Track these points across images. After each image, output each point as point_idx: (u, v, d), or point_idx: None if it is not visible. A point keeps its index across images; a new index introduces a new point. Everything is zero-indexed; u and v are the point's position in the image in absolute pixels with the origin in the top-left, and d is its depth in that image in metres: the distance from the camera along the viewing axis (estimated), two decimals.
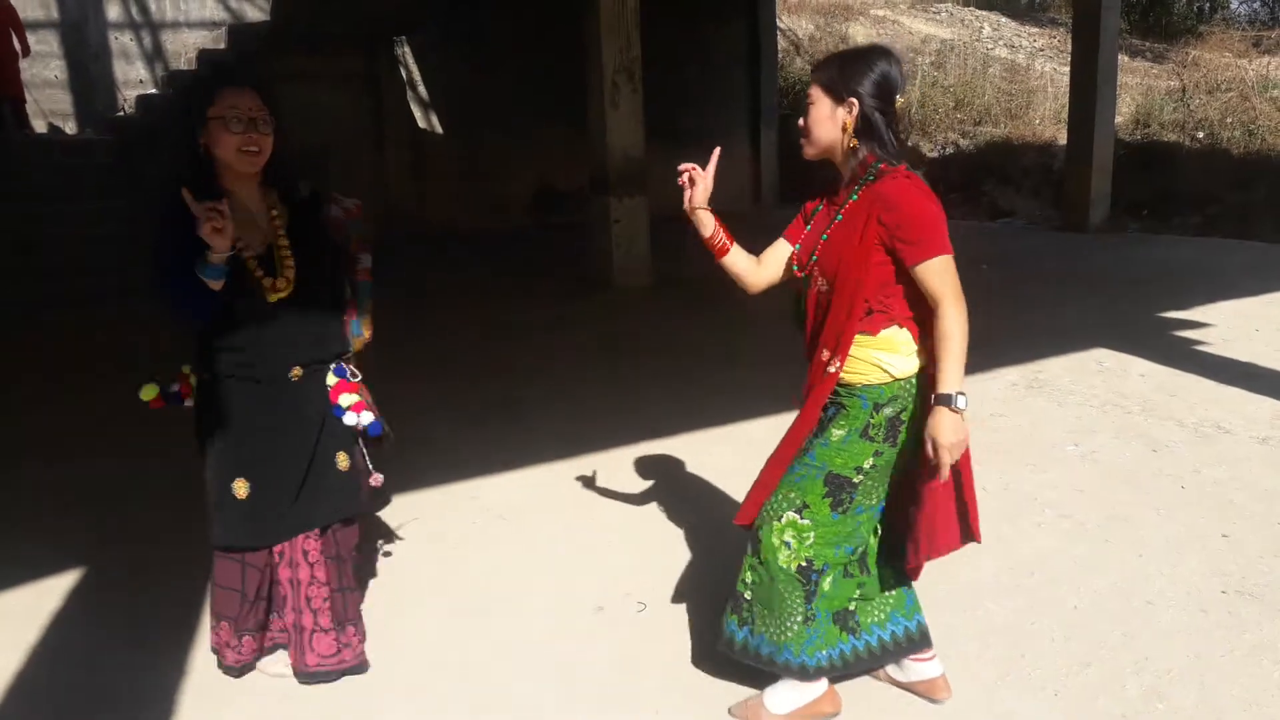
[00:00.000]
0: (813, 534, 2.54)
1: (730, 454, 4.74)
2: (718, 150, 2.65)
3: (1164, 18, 21.29)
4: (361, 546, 3.10)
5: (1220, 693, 2.77)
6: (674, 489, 4.42)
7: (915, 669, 2.77)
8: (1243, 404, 5.18)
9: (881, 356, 2.47)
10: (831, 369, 2.49)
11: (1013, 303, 7.90)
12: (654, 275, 9.24)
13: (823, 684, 2.66)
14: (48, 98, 12.29)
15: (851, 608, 2.67)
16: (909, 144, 15.71)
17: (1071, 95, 11.79)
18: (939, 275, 2.37)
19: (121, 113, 12.42)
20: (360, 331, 3.01)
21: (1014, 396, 5.53)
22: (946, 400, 2.37)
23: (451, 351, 6.98)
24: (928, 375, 2.46)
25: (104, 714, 2.91)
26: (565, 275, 9.77)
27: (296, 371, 2.77)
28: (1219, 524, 3.81)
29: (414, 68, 12.97)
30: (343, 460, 2.85)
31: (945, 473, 2.42)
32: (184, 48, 12.97)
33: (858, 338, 2.47)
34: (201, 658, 3.16)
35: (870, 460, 2.50)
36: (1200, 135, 13.94)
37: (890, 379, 2.47)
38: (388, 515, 4.04)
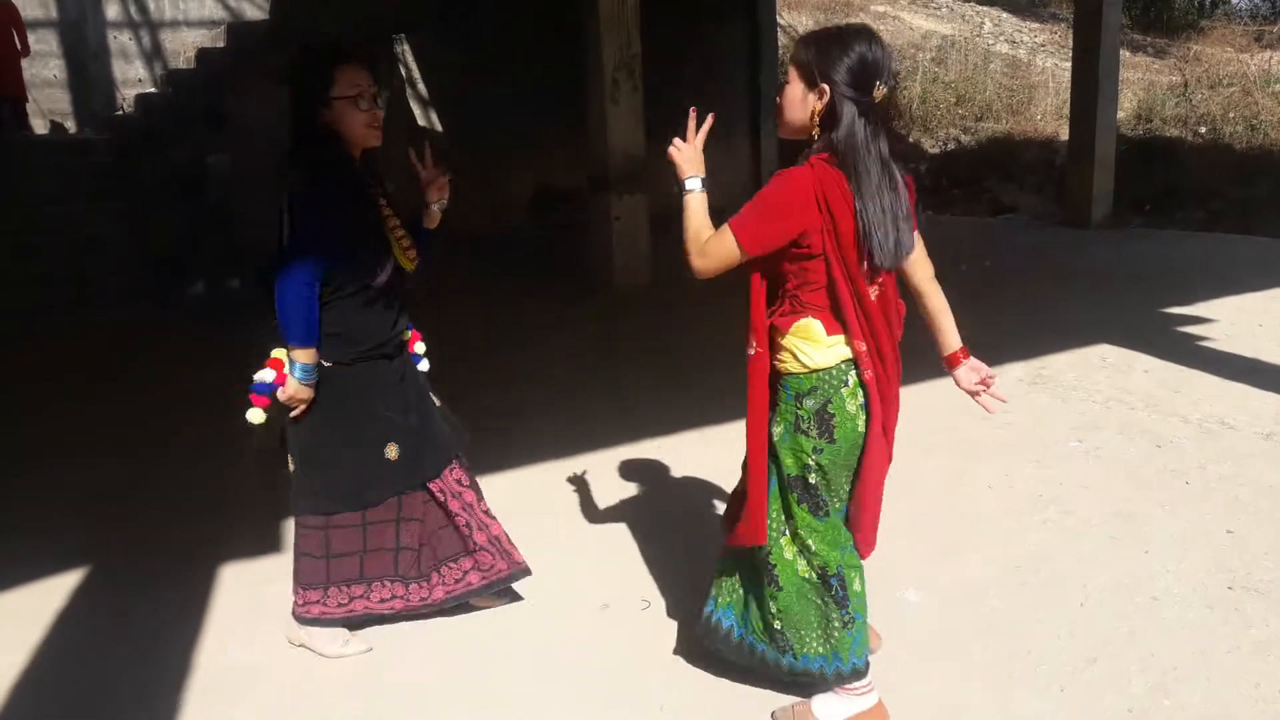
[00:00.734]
0: (813, 540, 2.52)
1: (732, 453, 4.71)
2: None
3: (1165, 12, 21.26)
4: None
5: (1226, 689, 2.76)
6: (676, 488, 4.41)
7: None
8: (1247, 400, 5.16)
9: (797, 344, 2.45)
10: (750, 351, 2.51)
11: (1016, 299, 7.88)
12: (654, 274, 9.22)
13: (874, 696, 2.63)
14: (47, 97, 12.27)
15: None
16: (908, 139, 15.69)
17: (1073, 91, 11.74)
18: (719, 236, 2.39)
19: (120, 112, 12.41)
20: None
21: (1018, 393, 5.51)
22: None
23: (451, 352, 6.94)
24: (857, 371, 2.42)
25: (108, 713, 2.90)
26: (565, 275, 9.74)
27: (405, 336, 3.01)
28: (1224, 520, 3.80)
29: (413, 66, 12.94)
30: (437, 401, 3.14)
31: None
32: (183, 46, 12.95)
33: (773, 325, 2.46)
34: (206, 656, 3.15)
35: (812, 457, 2.47)
36: (1203, 130, 13.90)
37: (805, 369, 2.44)
38: None
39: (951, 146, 15.82)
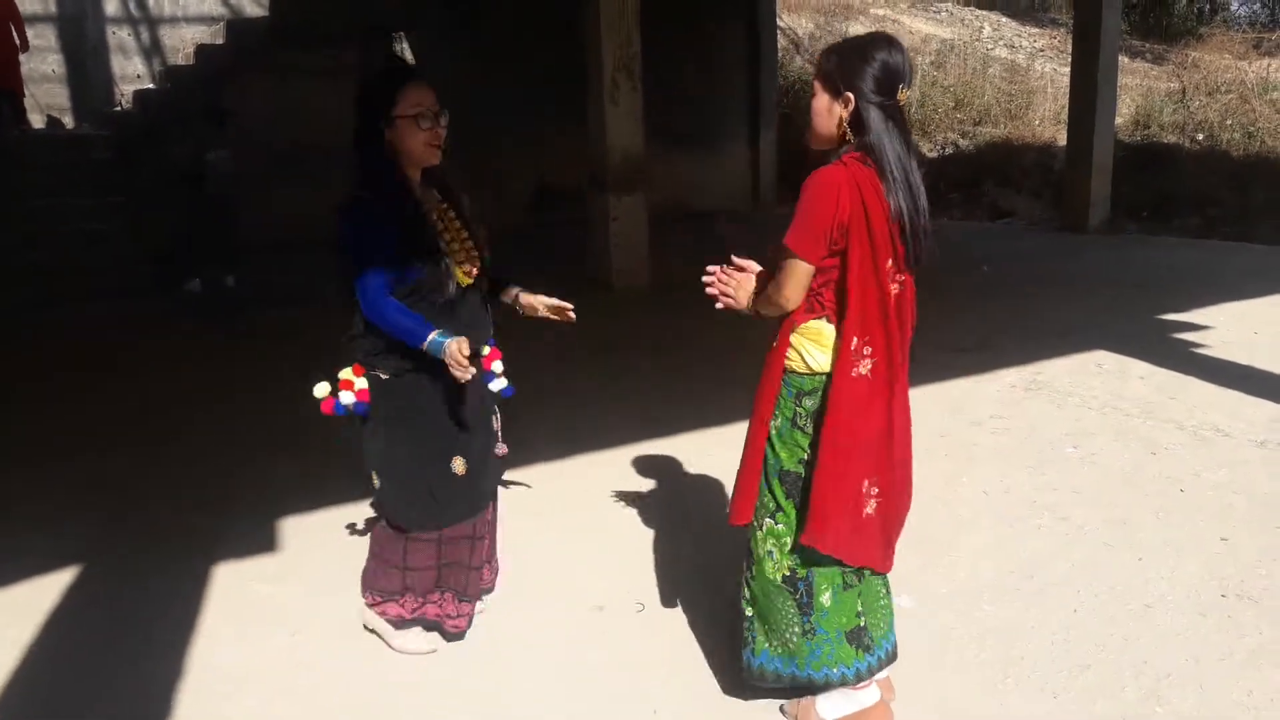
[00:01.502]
0: (789, 539, 2.52)
1: (729, 453, 4.70)
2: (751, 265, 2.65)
3: (1164, 19, 21.27)
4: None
5: (1219, 696, 2.76)
6: (673, 488, 4.41)
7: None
8: (1242, 407, 5.17)
9: (805, 345, 2.47)
10: (773, 344, 2.53)
11: (1012, 304, 7.89)
12: (652, 273, 9.22)
13: (874, 693, 2.63)
14: (45, 92, 12.26)
15: (862, 624, 2.60)
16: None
17: (1071, 96, 11.76)
18: (784, 267, 2.40)
19: (119, 108, 12.39)
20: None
21: (1013, 398, 5.52)
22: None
23: None
24: (836, 381, 2.43)
25: (104, 711, 2.90)
26: (564, 273, 9.71)
27: (484, 351, 2.99)
28: (1218, 528, 3.80)
29: (413, 64, 12.95)
30: (496, 422, 3.12)
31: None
32: (182, 43, 12.93)
33: (790, 321, 2.48)
34: (199, 655, 3.15)
35: (808, 453, 2.49)
36: (1200, 137, 13.93)
37: (809, 370, 2.47)
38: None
39: (950, 151, 15.84)
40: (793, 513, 2.52)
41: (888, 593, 2.67)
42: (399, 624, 3.10)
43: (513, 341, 3.14)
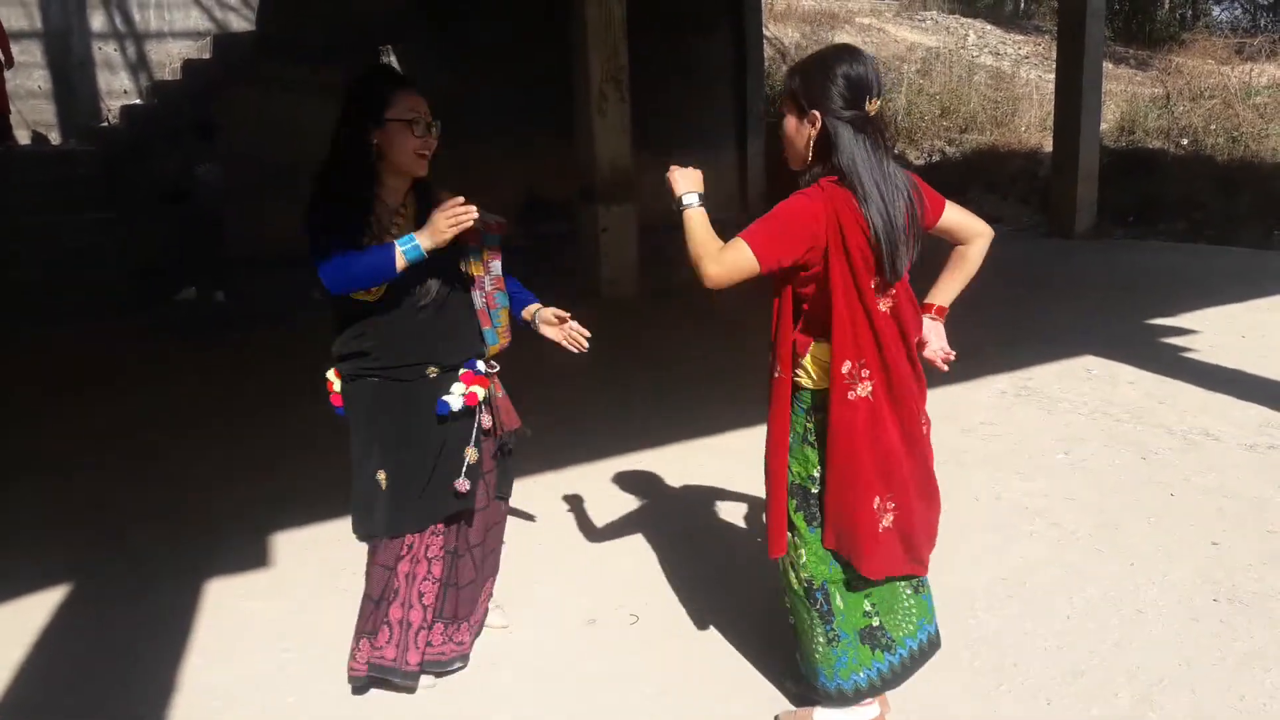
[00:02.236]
0: (804, 551, 2.53)
1: (719, 464, 4.73)
2: None
3: (1147, 25, 21.42)
4: (489, 540, 3.11)
5: (1212, 701, 2.77)
6: (664, 500, 4.41)
7: None
8: (1230, 410, 5.19)
9: (810, 366, 2.47)
10: (775, 374, 2.50)
11: (1000, 310, 7.90)
12: (642, 284, 9.23)
13: (874, 708, 2.63)
14: (31, 108, 12.22)
15: (876, 623, 2.59)
16: (894, 150, 15.74)
17: (1057, 102, 11.83)
18: (733, 247, 2.35)
19: (105, 123, 12.36)
20: (496, 339, 3.03)
21: (1003, 404, 5.53)
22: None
23: None
24: (835, 408, 2.42)
25: None
26: (554, 284, 9.72)
27: (433, 371, 2.82)
28: (1209, 532, 3.82)
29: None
30: (471, 455, 2.88)
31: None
32: (168, 58, 12.91)
33: (795, 342, 2.47)
34: (189, 674, 3.13)
35: (817, 468, 2.49)
36: (1184, 142, 14.01)
37: (820, 386, 2.47)
38: None
39: (936, 158, 15.90)
40: (801, 523, 2.52)
41: (915, 592, 2.64)
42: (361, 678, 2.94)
43: (502, 354, 3.11)
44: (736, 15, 14.88)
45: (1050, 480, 4.42)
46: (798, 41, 18.33)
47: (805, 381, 2.49)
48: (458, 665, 3.02)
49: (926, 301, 2.69)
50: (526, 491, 4.48)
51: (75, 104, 12.55)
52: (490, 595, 3.16)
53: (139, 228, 10.28)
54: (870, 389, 2.40)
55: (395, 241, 2.58)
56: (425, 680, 2.98)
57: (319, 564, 3.85)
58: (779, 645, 2.98)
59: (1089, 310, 7.83)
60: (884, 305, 2.41)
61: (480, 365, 2.92)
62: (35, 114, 12.28)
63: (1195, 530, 3.84)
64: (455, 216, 2.54)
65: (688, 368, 6.63)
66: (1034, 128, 15.90)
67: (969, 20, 21.79)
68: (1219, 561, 3.57)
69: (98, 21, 12.67)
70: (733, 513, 4.19)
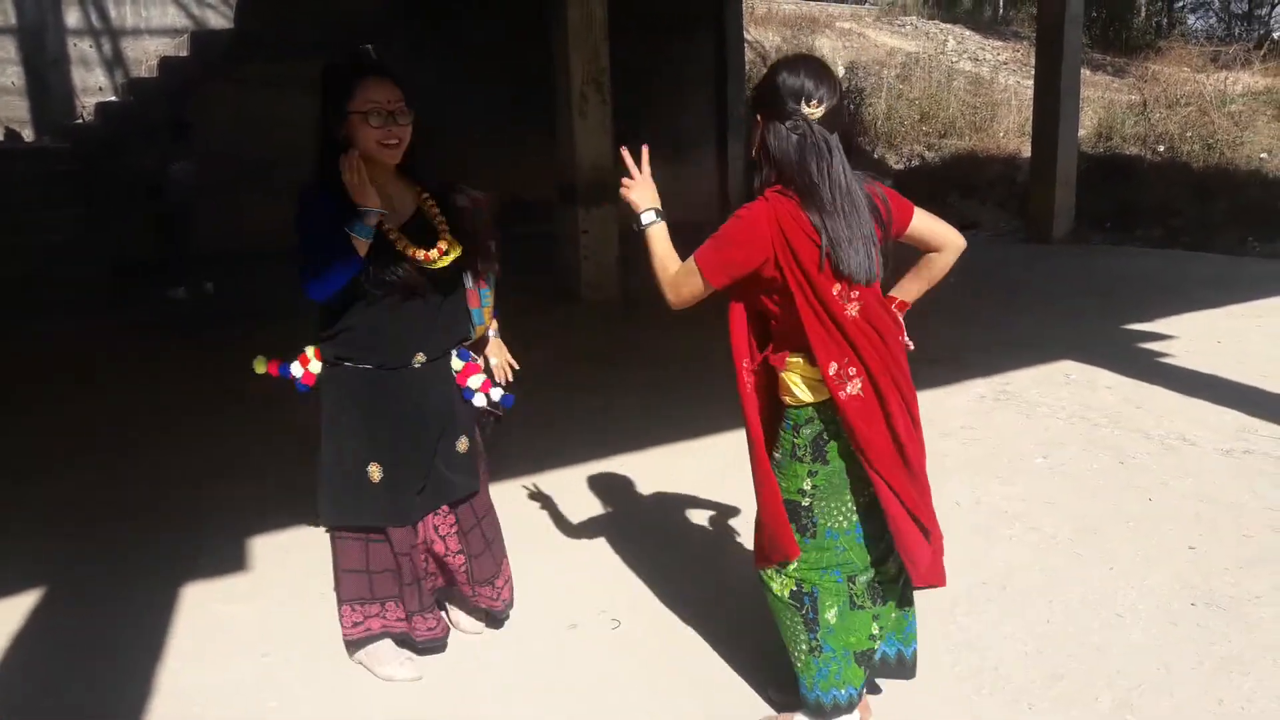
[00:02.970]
0: (795, 560, 2.52)
1: (700, 468, 4.73)
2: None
3: (1124, 32, 21.63)
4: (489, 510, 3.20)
5: (1191, 705, 2.79)
6: (645, 503, 4.40)
7: None
8: (1207, 415, 5.24)
9: (793, 380, 2.47)
10: (737, 382, 2.52)
11: (979, 315, 7.96)
12: (622, 285, 9.23)
13: (855, 717, 2.62)
14: (4, 105, 12.09)
15: (875, 647, 2.59)
16: (871, 155, 15.82)
17: (1035, 108, 11.93)
18: (686, 268, 2.41)
19: (80, 120, 12.24)
20: (482, 319, 3.10)
21: (982, 409, 5.56)
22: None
23: None
24: (837, 404, 2.41)
25: None
26: (534, 286, 9.71)
27: (419, 358, 2.83)
28: (1186, 536, 3.84)
29: (378, 59, 12.89)
30: (463, 444, 2.97)
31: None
32: (145, 55, 12.80)
33: (770, 364, 2.48)
34: (168, 677, 3.10)
35: (808, 481, 2.48)
36: (1161, 149, 14.15)
37: (801, 403, 2.46)
38: None
39: (915, 163, 15.99)
40: (798, 537, 2.51)
41: (900, 609, 2.65)
42: (364, 640, 3.03)
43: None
44: (718, 19, 14.91)
45: (1029, 484, 4.44)
46: (778, 45, 18.38)
47: (789, 399, 2.48)
48: (504, 615, 3.24)
49: (890, 294, 2.66)
50: (507, 495, 4.47)
51: (49, 101, 12.41)
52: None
53: (114, 225, 10.20)
54: (859, 387, 2.40)
55: (347, 229, 2.60)
56: (410, 671, 3.02)
57: (299, 567, 3.82)
58: (762, 651, 2.98)
59: (1067, 315, 7.89)
60: (852, 310, 2.37)
61: (471, 355, 3.01)
62: (8, 111, 12.14)
63: (1173, 535, 3.87)
64: (350, 164, 2.57)
65: (669, 371, 6.63)
66: (1012, 133, 16.03)
67: (948, 26, 21.94)
68: (1196, 566, 3.60)
69: (73, 17, 12.54)
70: (716, 517, 4.18)
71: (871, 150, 16.09)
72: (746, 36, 16.72)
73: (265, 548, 4.02)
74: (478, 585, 3.10)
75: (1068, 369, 6.27)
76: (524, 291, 9.66)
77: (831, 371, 2.38)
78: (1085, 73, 15.27)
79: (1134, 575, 3.54)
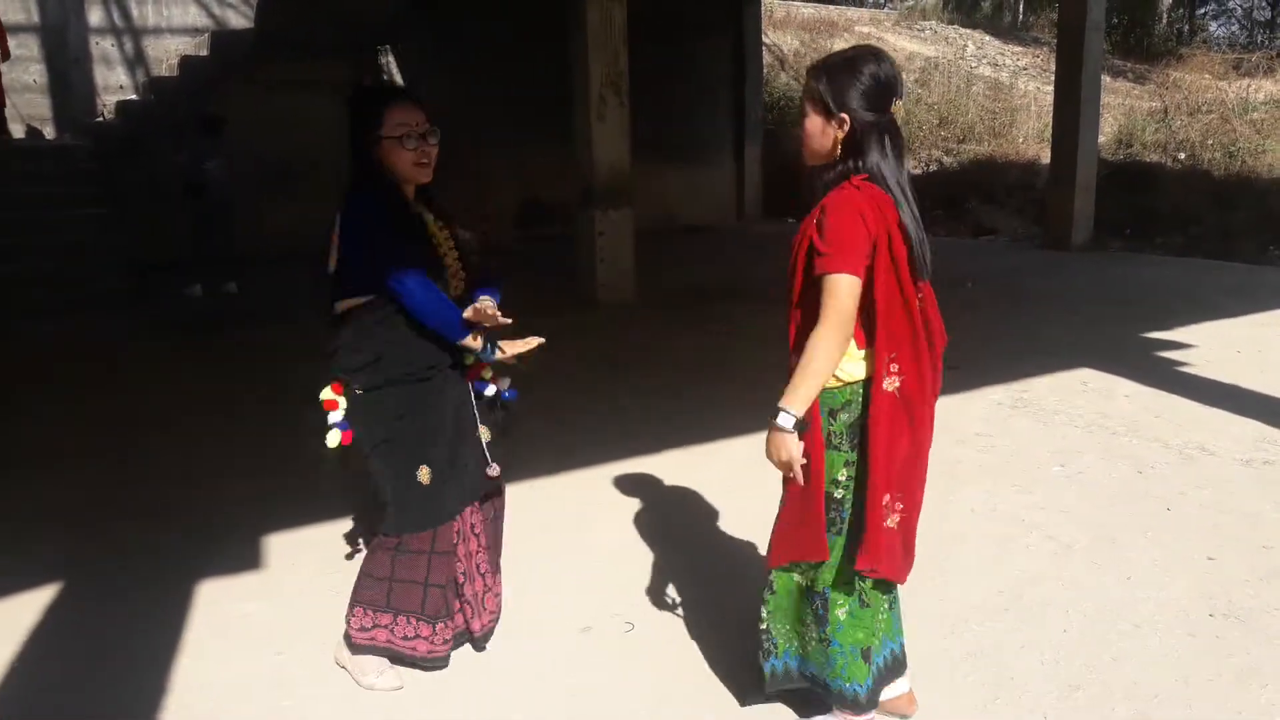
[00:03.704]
0: (823, 561, 2.51)
1: (716, 471, 4.72)
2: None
3: (1145, 39, 21.53)
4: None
5: (1209, 717, 2.76)
6: (660, 506, 4.39)
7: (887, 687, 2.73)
8: (1226, 425, 5.19)
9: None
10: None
11: (996, 321, 7.92)
12: (639, 288, 9.23)
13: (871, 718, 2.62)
14: (26, 102, 12.20)
15: (878, 643, 2.60)
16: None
17: (1055, 114, 11.86)
18: (829, 293, 2.30)
19: (101, 118, 12.34)
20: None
21: (999, 416, 5.53)
22: (774, 413, 2.34)
23: None
24: (871, 383, 2.40)
25: None
26: (551, 289, 9.73)
27: (445, 363, 2.93)
28: (1205, 547, 3.81)
29: (398, 76, 12.92)
30: (485, 434, 3.08)
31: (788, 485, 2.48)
32: (166, 54, 12.90)
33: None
34: (181, 675, 3.10)
35: (844, 471, 2.45)
36: (1181, 156, 14.07)
37: (840, 383, 2.42)
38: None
39: (934, 168, 15.94)
40: None
41: (889, 608, 2.64)
42: (365, 648, 3.02)
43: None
44: (736, 22, 14.92)
45: (1046, 493, 4.41)
46: (796, 49, 18.36)
47: (830, 381, 2.41)
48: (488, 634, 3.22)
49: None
50: (521, 497, 4.47)
51: (71, 99, 12.52)
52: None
53: (135, 223, 10.27)
54: (898, 385, 2.38)
55: (473, 335, 2.79)
56: (391, 680, 3.01)
57: (313, 566, 3.82)
58: None
59: (1085, 323, 7.84)
60: (919, 304, 2.40)
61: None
62: (30, 108, 12.25)
63: (1191, 545, 3.83)
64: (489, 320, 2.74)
65: (684, 373, 6.63)
66: (1031, 139, 15.96)
67: (968, 31, 21.88)
68: (1215, 576, 3.57)
69: (95, 16, 12.65)
70: (730, 520, 4.17)
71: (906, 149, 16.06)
72: (765, 40, 16.71)
73: (278, 545, 4.03)
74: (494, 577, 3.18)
75: (1086, 377, 6.23)
76: (541, 294, 9.72)
77: (890, 358, 2.37)
78: (1106, 79, 15.19)
79: (1152, 585, 3.51)
